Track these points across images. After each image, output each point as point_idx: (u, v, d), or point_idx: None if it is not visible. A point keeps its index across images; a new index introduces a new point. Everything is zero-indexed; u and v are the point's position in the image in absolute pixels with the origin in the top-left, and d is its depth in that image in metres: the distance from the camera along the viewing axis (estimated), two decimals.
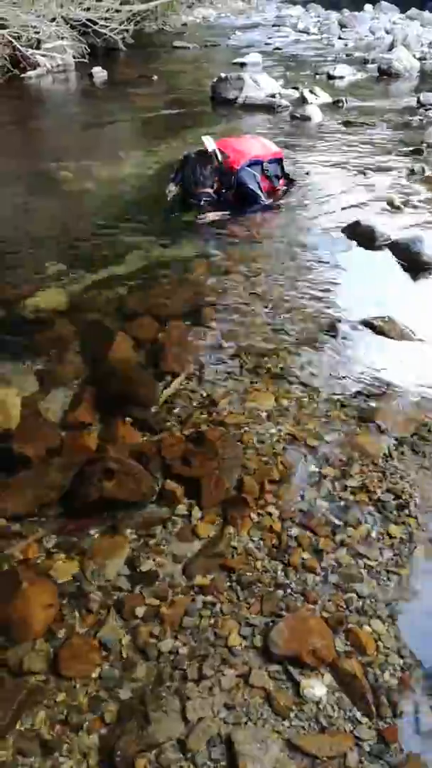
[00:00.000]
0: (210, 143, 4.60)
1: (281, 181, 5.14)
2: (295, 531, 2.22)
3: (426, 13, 17.04)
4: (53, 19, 10.79)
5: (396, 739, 1.65)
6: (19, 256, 4.29)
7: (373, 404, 2.80)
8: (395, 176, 5.60)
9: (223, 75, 8.88)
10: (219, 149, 4.71)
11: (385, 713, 1.70)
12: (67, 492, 2.38)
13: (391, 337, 3.27)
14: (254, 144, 4.95)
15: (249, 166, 4.75)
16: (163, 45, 15.06)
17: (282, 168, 5.13)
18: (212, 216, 4.67)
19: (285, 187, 5.18)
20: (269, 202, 4.87)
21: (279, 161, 5.08)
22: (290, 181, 5.25)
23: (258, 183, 4.81)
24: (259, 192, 4.79)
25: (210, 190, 4.68)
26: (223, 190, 4.75)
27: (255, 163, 4.81)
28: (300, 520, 2.26)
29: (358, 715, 1.71)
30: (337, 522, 2.25)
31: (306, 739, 1.64)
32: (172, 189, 4.92)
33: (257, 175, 4.82)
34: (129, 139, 7.49)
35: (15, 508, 2.31)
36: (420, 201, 5.03)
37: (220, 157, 4.61)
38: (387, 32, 14.90)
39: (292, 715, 1.70)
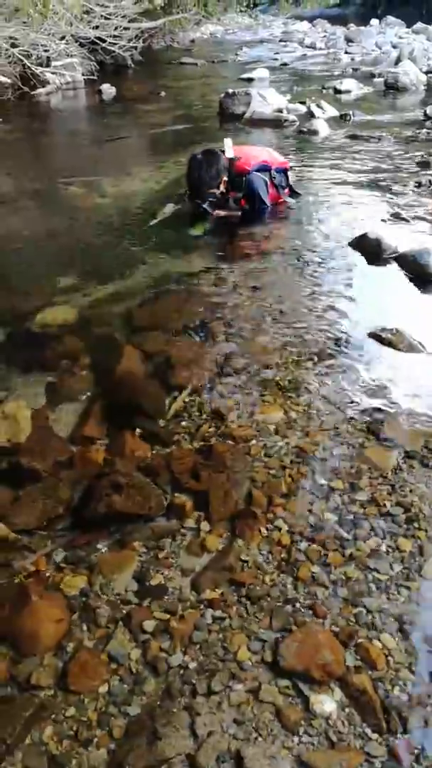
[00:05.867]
0: (230, 150, 4.61)
1: (286, 191, 5.16)
2: (304, 545, 2.21)
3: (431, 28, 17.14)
4: (63, 38, 10.95)
5: (407, 756, 1.63)
6: (28, 271, 4.33)
7: (381, 417, 2.79)
8: (402, 189, 5.62)
9: (230, 90, 8.97)
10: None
11: (395, 729, 1.69)
12: (75, 506, 2.40)
13: (400, 350, 3.27)
14: (262, 151, 5.02)
15: (258, 170, 4.78)
16: (171, 61, 15.26)
17: (287, 179, 5.17)
18: (223, 212, 4.69)
19: (289, 198, 5.20)
20: (272, 210, 4.89)
21: (285, 171, 5.11)
22: (294, 194, 5.27)
23: (267, 189, 4.83)
24: (266, 199, 4.80)
25: (216, 191, 4.62)
26: (232, 193, 4.75)
27: (264, 168, 4.84)
28: (309, 533, 2.25)
29: (369, 731, 1.69)
30: (346, 536, 2.24)
31: (316, 755, 1.63)
32: (167, 210, 4.96)
33: (267, 181, 4.84)
34: (138, 154, 7.56)
35: (24, 521, 2.32)
36: (427, 213, 5.04)
37: (232, 158, 4.62)
38: (393, 47, 15.02)
39: (301, 730, 1.69)
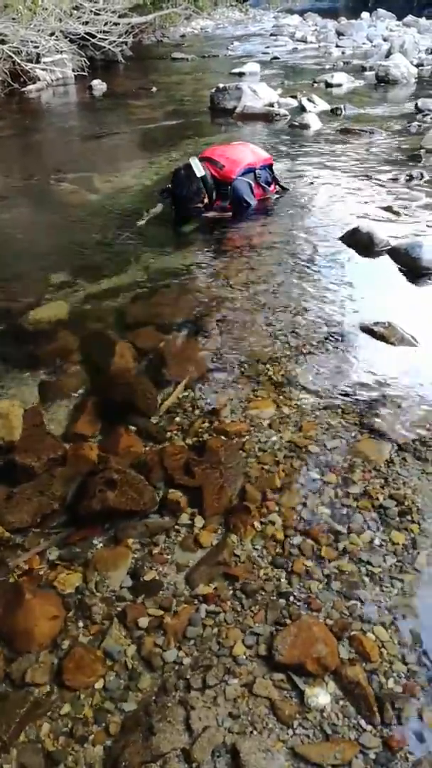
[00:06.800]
0: (199, 169, 4.64)
1: (272, 188, 5.17)
2: (297, 539, 2.22)
3: (422, 20, 17.14)
4: (52, 34, 10.89)
5: (401, 747, 1.64)
6: (20, 268, 4.32)
7: (374, 410, 2.80)
8: (394, 182, 5.62)
9: (221, 85, 8.94)
10: (213, 159, 4.74)
11: (389, 721, 1.69)
12: (69, 503, 2.39)
13: (392, 343, 3.27)
14: (245, 151, 4.98)
15: (243, 174, 4.79)
16: (162, 57, 15.19)
17: (272, 173, 5.17)
18: (212, 214, 4.76)
19: (276, 194, 5.21)
20: (259, 207, 4.94)
21: (269, 167, 5.12)
22: (282, 188, 5.27)
23: (252, 191, 4.87)
24: (252, 201, 4.87)
25: (200, 205, 4.73)
26: (218, 202, 4.79)
27: (248, 171, 4.85)
28: (302, 527, 2.26)
29: (363, 723, 1.70)
30: (339, 529, 2.25)
31: (311, 747, 1.64)
32: (157, 210, 4.96)
33: (251, 184, 4.87)
34: (129, 150, 7.54)
35: (18, 519, 2.31)
36: (419, 206, 5.05)
37: (209, 178, 4.68)
38: (384, 40, 14.97)
39: (296, 723, 1.70)
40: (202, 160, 4.76)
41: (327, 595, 2.03)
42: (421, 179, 5.61)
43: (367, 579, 2.08)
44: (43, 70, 11.19)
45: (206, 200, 4.72)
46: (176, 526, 2.30)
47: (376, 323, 3.39)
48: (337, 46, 15.53)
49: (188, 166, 4.67)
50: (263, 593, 2.04)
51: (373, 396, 2.90)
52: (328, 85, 10.40)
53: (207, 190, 4.68)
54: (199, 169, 4.63)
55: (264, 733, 1.68)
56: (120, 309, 3.70)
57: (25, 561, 2.19)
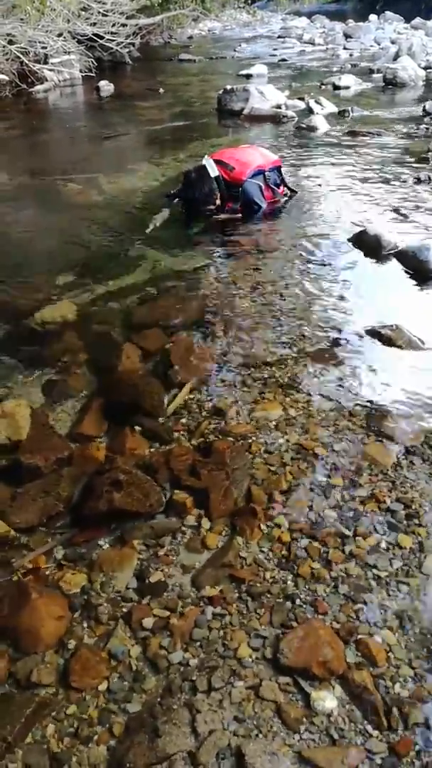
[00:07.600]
0: (213, 169, 4.66)
1: (281, 189, 5.17)
2: (304, 541, 2.21)
3: (430, 23, 17.15)
4: (60, 34, 10.92)
5: (408, 752, 1.63)
6: (27, 269, 4.32)
7: (381, 413, 2.79)
8: (401, 185, 5.61)
9: (228, 87, 8.95)
10: (224, 161, 4.75)
11: (396, 726, 1.68)
12: (75, 503, 2.39)
13: (399, 346, 3.26)
14: (255, 154, 5.01)
15: (252, 176, 4.80)
16: (169, 58, 15.22)
17: (281, 175, 5.17)
18: (223, 216, 4.77)
19: (285, 197, 5.21)
20: (269, 209, 4.95)
21: (278, 169, 5.12)
22: (291, 191, 5.27)
23: (262, 193, 4.88)
24: (263, 203, 4.87)
25: (213, 207, 4.74)
26: (229, 205, 4.80)
27: (258, 173, 4.86)
28: (309, 530, 2.25)
29: (369, 727, 1.69)
30: (346, 532, 2.24)
31: (317, 752, 1.63)
32: (164, 215, 4.97)
33: (261, 186, 4.87)
34: (136, 151, 7.54)
35: (24, 519, 2.31)
36: (427, 209, 5.04)
37: (220, 179, 4.70)
38: (392, 42, 14.99)
39: (302, 727, 1.69)
40: None
41: (334, 598, 2.02)
42: (429, 182, 5.60)
43: (374, 582, 2.07)
44: (50, 70, 11.22)
45: (218, 202, 4.72)
46: (182, 528, 2.30)
47: (383, 326, 3.38)
48: (344, 48, 15.57)
49: (202, 167, 4.68)
50: (269, 596, 2.03)
51: (380, 399, 2.89)
52: (336, 87, 10.41)
53: (219, 191, 4.69)
54: (213, 170, 4.65)
55: (269, 737, 1.67)
56: (127, 310, 3.70)
57: (30, 561, 2.18)
